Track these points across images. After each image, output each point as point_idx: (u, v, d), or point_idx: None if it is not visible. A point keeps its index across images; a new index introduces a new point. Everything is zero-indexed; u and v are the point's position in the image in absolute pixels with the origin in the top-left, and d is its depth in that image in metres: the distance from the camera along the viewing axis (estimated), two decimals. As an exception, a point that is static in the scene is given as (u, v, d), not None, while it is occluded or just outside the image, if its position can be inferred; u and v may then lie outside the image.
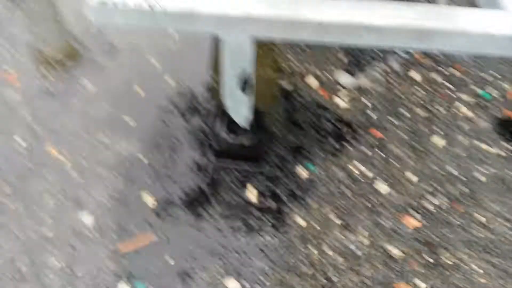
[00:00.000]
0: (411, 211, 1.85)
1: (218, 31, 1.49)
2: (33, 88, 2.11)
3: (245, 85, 1.70)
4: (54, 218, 1.76)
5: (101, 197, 1.83)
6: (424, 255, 1.72)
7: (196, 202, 1.86)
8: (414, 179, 1.95)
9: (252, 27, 1.43)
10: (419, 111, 2.20)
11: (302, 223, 1.82)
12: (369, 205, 1.87)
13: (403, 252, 1.73)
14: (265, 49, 2.40)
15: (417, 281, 1.66)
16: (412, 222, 1.82)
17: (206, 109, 2.14)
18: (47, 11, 2.43)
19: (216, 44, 2.42)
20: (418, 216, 1.84)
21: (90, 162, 1.91)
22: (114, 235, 1.74)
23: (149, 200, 1.83)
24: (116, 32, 2.36)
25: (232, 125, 1.91)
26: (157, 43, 2.36)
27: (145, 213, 1.80)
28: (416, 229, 1.80)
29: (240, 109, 1.83)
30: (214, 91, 2.22)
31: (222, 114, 1.93)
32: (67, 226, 1.75)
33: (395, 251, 1.73)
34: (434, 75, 2.35)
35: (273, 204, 1.87)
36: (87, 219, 1.77)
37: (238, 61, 1.61)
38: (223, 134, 1.98)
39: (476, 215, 1.85)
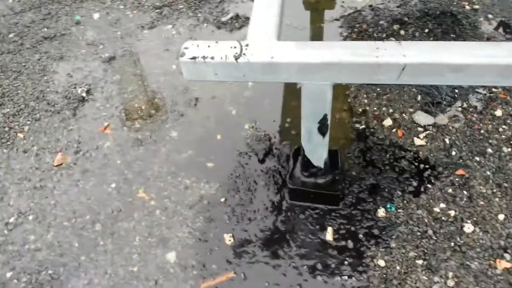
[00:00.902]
0: (500, 252, 1.73)
1: (299, 79, 1.55)
2: (125, 138, 2.32)
3: (323, 128, 1.76)
4: (140, 255, 1.87)
5: (183, 235, 1.92)
6: (519, 299, 1.59)
7: (272, 240, 1.89)
8: (501, 217, 1.84)
9: (332, 73, 1.49)
10: (504, 148, 2.10)
11: (382, 263, 1.76)
12: (453, 245, 1.78)
13: (495, 295, 1.61)
14: (339, 92, 2.46)
15: (514, 326, 1.52)
16: (502, 263, 1.69)
17: (280, 151, 2.21)
18: (138, 71, 2.72)
19: (288, 90, 2.53)
20: (508, 256, 1.71)
21: (174, 203, 2.04)
22: (194, 271, 1.81)
23: (227, 238, 1.89)
24: (199, 86, 2.56)
25: (307, 165, 1.95)
26: (234, 93, 2.52)
27: (224, 251, 1.86)
28: (507, 271, 1.67)
29: (317, 150, 1.88)
30: (288, 134, 2.29)
31: (297, 155, 1.99)
32: (152, 262, 1.85)
33: (485, 294, 1.61)
34: (517, 111, 2.25)
35: (350, 244, 1.85)
36: (170, 256, 1.86)
37: (317, 106, 1.67)
38: (299, 174, 2.03)
39: None
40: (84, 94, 2.56)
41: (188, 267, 1.82)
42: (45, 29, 3.03)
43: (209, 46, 1.52)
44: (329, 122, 1.74)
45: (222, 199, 2.04)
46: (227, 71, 1.52)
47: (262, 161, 2.19)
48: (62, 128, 2.40)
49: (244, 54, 1.49)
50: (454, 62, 1.40)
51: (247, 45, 1.51)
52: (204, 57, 1.48)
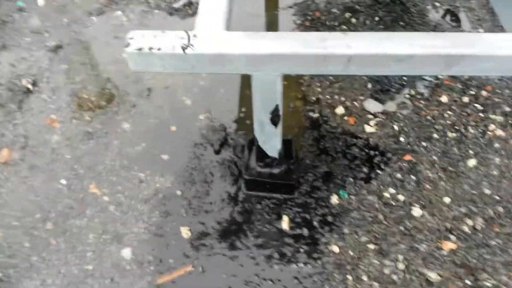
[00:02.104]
0: (447, 234, 1.83)
1: (249, 71, 1.54)
2: (74, 132, 2.24)
3: (275, 118, 1.77)
4: (94, 252, 1.84)
5: (139, 230, 1.90)
6: (462, 278, 1.69)
7: (229, 232, 1.90)
8: (448, 201, 1.94)
9: (281, 65, 1.49)
10: (449, 133, 2.20)
11: (336, 249, 1.82)
12: (403, 229, 1.86)
13: (440, 276, 1.70)
14: (293, 82, 2.48)
15: (457, 304, 1.62)
16: (448, 244, 1.79)
17: (236, 142, 2.21)
18: (86, 60, 2.61)
19: (243, 80, 2.52)
20: (453, 238, 1.81)
21: (128, 198, 2.00)
22: (151, 267, 1.79)
23: (185, 232, 1.88)
24: (151, 76, 2.50)
25: (262, 156, 1.96)
26: (188, 82, 2.48)
27: (181, 245, 1.86)
28: (453, 252, 1.77)
29: (270, 141, 1.89)
30: (243, 124, 2.29)
31: (252, 145, 1.99)
32: (107, 259, 1.82)
33: (432, 275, 1.70)
34: (463, 98, 2.35)
35: (305, 231, 1.89)
36: (126, 252, 1.84)
37: (268, 96, 1.67)
38: (254, 164, 2.04)
39: (514, 234, 1.81)
40: (29, 86, 2.44)
41: (144, 263, 1.80)
42: (-16, 16, 2.85)
43: (155, 36, 1.47)
44: (281, 112, 1.75)
45: (178, 192, 2.02)
46: (174, 63, 1.49)
47: (217, 152, 2.19)
48: (6, 122, 2.28)
49: (192, 45, 1.46)
50: (398, 52, 1.43)
51: (195, 35, 1.48)
52: (150, 48, 1.44)
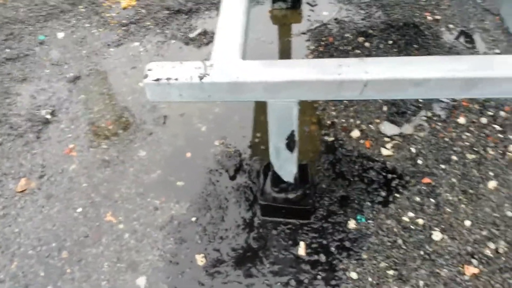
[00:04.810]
0: (468, 258, 1.77)
1: (266, 98, 1.55)
2: (91, 160, 2.28)
3: (290, 144, 1.76)
4: (109, 281, 1.83)
5: (154, 258, 1.88)
6: (488, 305, 1.62)
7: (245, 259, 1.87)
8: (468, 224, 1.88)
9: (298, 91, 1.49)
10: (467, 155, 2.15)
11: (354, 275, 1.77)
12: (423, 254, 1.80)
13: (464, 302, 1.63)
14: (308, 106, 2.47)
15: (483, 333, 1.54)
16: (470, 269, 1.72)
17: (251, 167, 2.21)
18: (104, 90, 2.67)
19: (257, 106, 2.53)
20: (475, 262, 1.75)
21: (144, 225, 2.00)
22: (166, 295, 1.77)
23: (200, 259, 1.86)
24: (166, 104, 2.54)
25: (277, 181, 1.95)
26: (203, 109, 2.51)
27: (196, 272, 1.83)
28: (475, 276, 1.70)
29: (286, 166, 1.88)
30: (258, 150, 2.29)
31: (268, 171, 1.98)
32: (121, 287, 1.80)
33: (455, 302, 1.64)
34: (482, 119, 2.31)
35: (322, 257, 1.85)
36: (141, 280, 1.82)
37: (284, 123, 1.67)
38: (269, 189, 2.03)
39: (541, 259, 1.73)
40: (48, 116, 2.50)
41: (159, 291, 1.79)
42: (8, 50, 2.96)
43: (173, 67, 1.50)
44: (296, 138, 1.75)
45: (193, 219, 2.01)
46: (192, 92, 1.50)
47: (232, 178, 2.18)
48: (25, 152, 2.33)
49: (208, 74, 1.48)
50: (415, 77, 1.43)
51: (211, 65, 1.51)
52: (168, 79, 1.47)
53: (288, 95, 1.51)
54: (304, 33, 2.95)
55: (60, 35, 3.06)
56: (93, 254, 1.91)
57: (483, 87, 1.43)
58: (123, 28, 3.09)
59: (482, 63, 1.43)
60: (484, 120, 2.30)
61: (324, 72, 1.45)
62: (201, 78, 1.45)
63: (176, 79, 1.46)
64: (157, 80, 1.46)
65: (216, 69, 1.48)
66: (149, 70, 1.49)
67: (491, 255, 1.76)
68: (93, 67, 2.82)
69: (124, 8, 3.21)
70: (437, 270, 1.74)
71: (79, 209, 2.07)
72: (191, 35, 3.01)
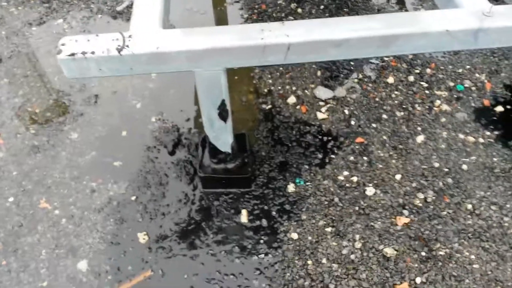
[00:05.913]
0: (400, 209, 1.86)
1: (190, 68, 1.51)
2: (20, 147, 2.16)
3: (223, 113, 1.75)
4: (48, 268, 1.78)
5: (94, 241, 1.85)
6: (417, 250, 1.72)
7: (188, 232, 1.87)
8: (399, 177, 1.97)
9: (221, 59, 1.47)
10: (397, 112, 2.24)
11: (295, 236, 1.82)
12: (358, 209, 1.88)
13: (396, 250, 1.73)
14: (244, 75, 2.47)
15: (413, 276, 1.65)
16: (401, 219, 1.83)
17: (190, 141, 2.19)
18: (28, 73, 2.52)
19: (192, 77, 2.49)
20: (406, 213, 1.85)
21: (81, 209, 1.94)
22: (109, 277, 1.75)
23: (142, 237, 1.85)
24: (97, 82, 2.44)
25: (215, 152, 1.95)
26: (136, 85, 2.44)
27: (139, 251, 1.82)
28: (406, 226, 1.81)
29: (222, 136, 1.87)
30: (196, 123, 2.27)
31: (205, 143, 1.97)
32: (62, 274, 1.76)
33: (388, 251, 1.73)
34: (409, 77, 2.40)
35: (264, 222, 1.89)
36: (82, 264, 1.79)
37: (213, 92, 1.65)
38: (208, 161, 2.02)
39: (462, 203, 1.86)
40: (-32, 104, 2.34)
41: (101, 273, 1.76)
42: None
43: (88, 40, 1.44)
44: (228, 107, 1.74)
45: (133, 198, 1.98)
46: (111, 66, 1.45)
47: (172, 153, 2.15)
48: None
49: (127, 46, 1.43)
50: (335, 38, 1.45)
51: (130, 36, 1.45)
52: (83, 53, 1.40)
53: (213, 64, 1.49)
54: (237, 1, 2.91)
55: (-26, 16, 2.84)
56: (29, 243, 1.84)
57: (401, 44, 1.48)
58: (45, 5, 2.91)
59: (397, 21, 1.48)
60: (411, 78, 2.39)
61: (246, 38, 1.44)
62: (119, 50, 1.40)
63: (93, 53, 1.40)
64: (72, 55, 1.39)
65: (134, 40, 1.43)
66: (62, 45, 1.42)
67: (421, 205, 1.87)
68: (14, 48, 2.65)
69: (44, -16, 3.02)
70: (372, 223, 1.82)
71: (11, 199, 1.98)
72: (119, 8, 2.88)
